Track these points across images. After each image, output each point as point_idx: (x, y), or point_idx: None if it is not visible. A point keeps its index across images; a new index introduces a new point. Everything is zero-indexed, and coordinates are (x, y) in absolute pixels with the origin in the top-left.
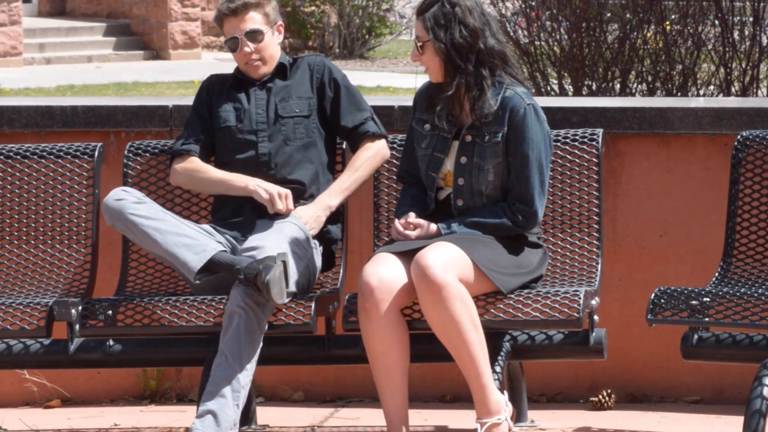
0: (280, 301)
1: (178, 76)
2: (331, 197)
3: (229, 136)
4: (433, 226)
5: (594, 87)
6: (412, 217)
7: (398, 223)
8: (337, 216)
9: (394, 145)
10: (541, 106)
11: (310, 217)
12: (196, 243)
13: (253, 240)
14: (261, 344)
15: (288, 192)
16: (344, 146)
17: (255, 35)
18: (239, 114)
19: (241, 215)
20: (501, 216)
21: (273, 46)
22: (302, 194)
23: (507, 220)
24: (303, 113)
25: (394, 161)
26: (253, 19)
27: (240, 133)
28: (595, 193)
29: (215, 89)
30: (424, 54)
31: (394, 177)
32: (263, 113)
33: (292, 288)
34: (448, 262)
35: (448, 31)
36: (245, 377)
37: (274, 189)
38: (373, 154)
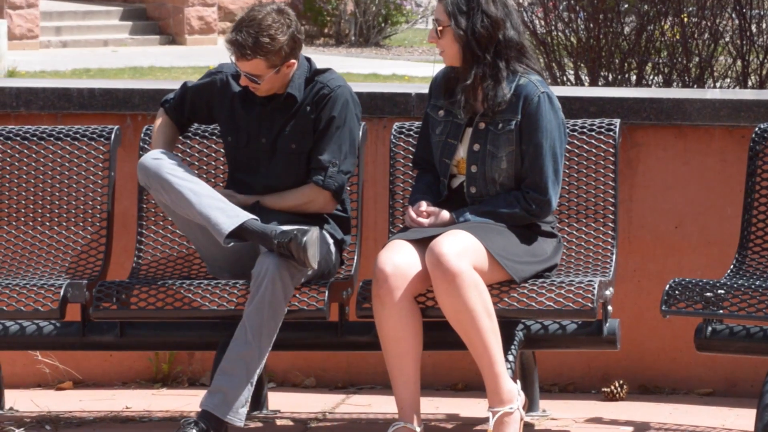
0: (314, 265)
1: (194, 61)
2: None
3: (232, 155)
4: (446, 214)
5: (610, 78)
6: (424, 205)
7: (411, 211)
8: (348, 226)
9: (411, 132)
10: (558, 95)
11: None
12: (229, 208)
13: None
14: (283, 317)
15: None
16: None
17: (253, 78)
18: (241, 138)
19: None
20: (514, 205)
21: (276, 82)
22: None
23: (521, 208)
24: (301, 149)
25: (410, 148)
26: (255, 66)
27: (241, 157)
28: (611, 183)
29: (216, 95)
30: (442, 38)
31: (410, 164)
32: (267, 145)
33: (319, 258)
34: (463, 250)
35: (470, 19)
36: (262, 354)
37: None
38: (306, 202)
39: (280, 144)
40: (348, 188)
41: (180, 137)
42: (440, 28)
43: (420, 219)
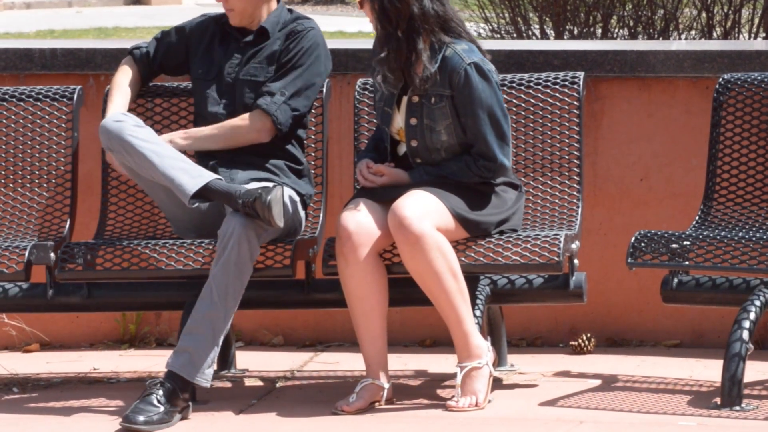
0: (280, 224)
1: (159, 21)
2: (180, 136)
3: (200, 89)
4: (401, 173)
5: (575, 32)
6: (365, 166)
7: (363, 170)
8: (309, 177)
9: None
10: (521, 49)
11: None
12: (193, 168)
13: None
14: (249, 276)
15: None
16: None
17: None
18: (212, 71)
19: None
20: (466, 170)
21: (249, 3)
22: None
23: (473, 174)
24: (258, 78)
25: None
26: None
27: (208, 89)
28: (575, 136)
29: (198, 34)
30: (363, 8)
31: (374, 121)
32: (233, 75)
33: (286, 216)
34: (425, 212)
35: None
36: (227, 314)
37: None
38: (243, 126)
39: (244, 74)
40: (306, 142)
41: (143, 98)
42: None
43: (371, 177)
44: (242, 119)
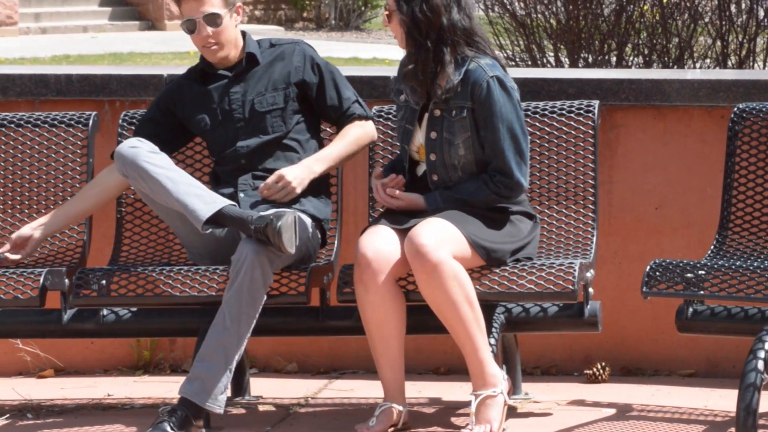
0: (291, 250)
1: (174, 46)
2: (316, 163)
3: (211, 138)
4: (417, 198)
5: (590, 60)
6: (382, 180)
7: (378, 186)
8: (327, 194)
9: (390, 116)
10: (536, 77)
11: (295, 177)
12: (206, 194)
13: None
14: (263, 303)
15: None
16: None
17: (213, 18)
18: (214, 115)
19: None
20: (483, 189)
21: (231, 30)
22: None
23: (490, 192)
24: (279, 105)
25: (389, 131)
26: (212, 2)
27: (221, 135)
28: (590, 165)
29: (176, 98)
30: (391, 23)
31: (389, 148)
32: (240, 109)
33: (298, 242)
34: (442, 239)
35: (410, 5)
36: (240, 340)
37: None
38: (363, 132)
39: (263, 106)
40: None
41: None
42: (387, 12)
43: (385, 196)
44: (358, 128)
